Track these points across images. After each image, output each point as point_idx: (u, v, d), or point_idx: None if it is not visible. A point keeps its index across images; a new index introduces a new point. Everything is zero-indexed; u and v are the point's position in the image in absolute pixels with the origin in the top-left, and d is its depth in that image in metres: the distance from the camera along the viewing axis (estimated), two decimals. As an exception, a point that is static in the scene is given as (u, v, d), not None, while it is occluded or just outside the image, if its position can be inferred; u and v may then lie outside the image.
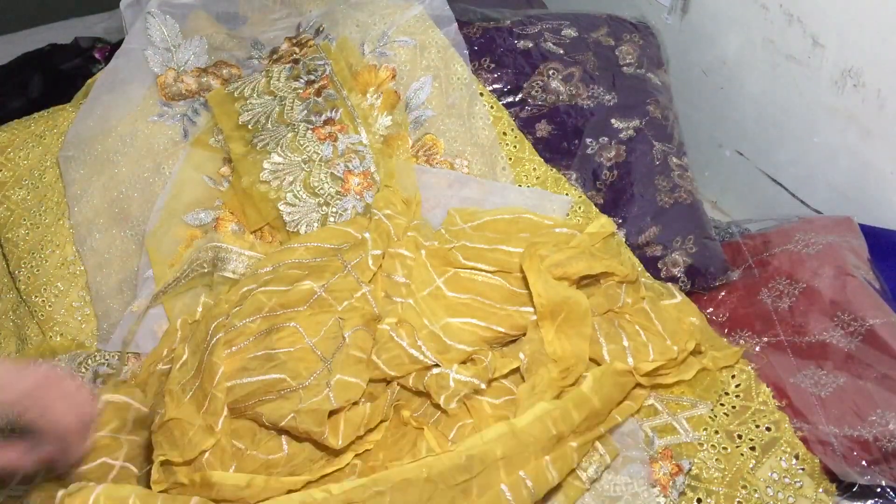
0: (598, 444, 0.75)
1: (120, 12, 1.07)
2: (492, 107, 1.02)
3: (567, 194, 0.98)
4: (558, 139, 1.04)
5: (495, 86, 1.05)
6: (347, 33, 1.02)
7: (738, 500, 0.74)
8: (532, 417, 0.70)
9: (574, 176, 1.02)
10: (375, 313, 0.80)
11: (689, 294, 0.93)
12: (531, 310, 0.81)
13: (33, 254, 0.95)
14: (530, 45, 1.07)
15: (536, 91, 1.05)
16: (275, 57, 1.04)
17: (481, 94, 1.02)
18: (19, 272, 0.95)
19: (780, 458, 0.76)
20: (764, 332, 0.91)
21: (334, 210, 0.90)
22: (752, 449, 0.77)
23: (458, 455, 0.67)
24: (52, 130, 1.04)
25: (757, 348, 0.89)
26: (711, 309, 0.96)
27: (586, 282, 0.84)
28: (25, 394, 0.59)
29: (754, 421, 0.79)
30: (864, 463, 0.77)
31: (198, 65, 1.03)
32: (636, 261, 0.95)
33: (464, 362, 0.79)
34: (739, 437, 0.78)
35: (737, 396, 0.81)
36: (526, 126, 1.03)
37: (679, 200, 1.01)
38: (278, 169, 0.92)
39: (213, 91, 1.00)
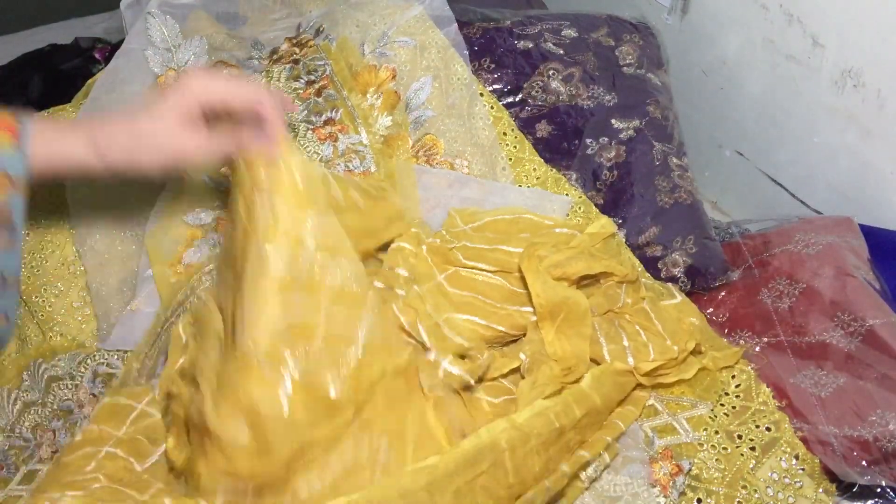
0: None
1: (120, 12, 1.07)
2: (492, 107, 1.02)
3: (567, 194, 0.98)
4: (558, 139, 1.04)
5: (495, 86, 1.05)
6: (347, 33, 1.02)
7: (738, 500, 0.74)
8: (532, 413, 0.70)
9: (574, 176, 1.02)
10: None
11: (689, 294, 0.93)
12: (531, 310, 0.81)
13: (33, 254, 0.95)
14: (530, 45, 1.07)
15: (536, 91, 1.05)
16: (275, 57, 1.04)
17: (481, 95, 1.02)
18: (20, 272, 0.95)
19: (780, 459, 0.76)
20: (764, 332, 0.91)
21: (334, 210, 0.90)
22: (753, 449, 0.77)
23: (465, 449, 0.66)
24: (53, 130, 1.03)
25: (757, 348, 0.89)
26: (711, 309, 0.96)
27: (586, 282, 0.84)
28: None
29: (754, 421, 0.79)
30: (864, 463, 0.77)
31: (198, 65, 1.03)
32: (636, 261, 0.95)
33: (462, 357, 0.79)
34: (739, 437, 0.78)
35: (737, 397, 0.81)
36: (526, 126, 1.03)
37: (679, 201, 1.01)
38: (278, 169, 0.92)
39: (213, 91, 1.00)
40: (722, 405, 0.81)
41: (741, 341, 0.91)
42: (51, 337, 0.91)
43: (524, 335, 0.82)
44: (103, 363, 0.86)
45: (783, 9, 1.06)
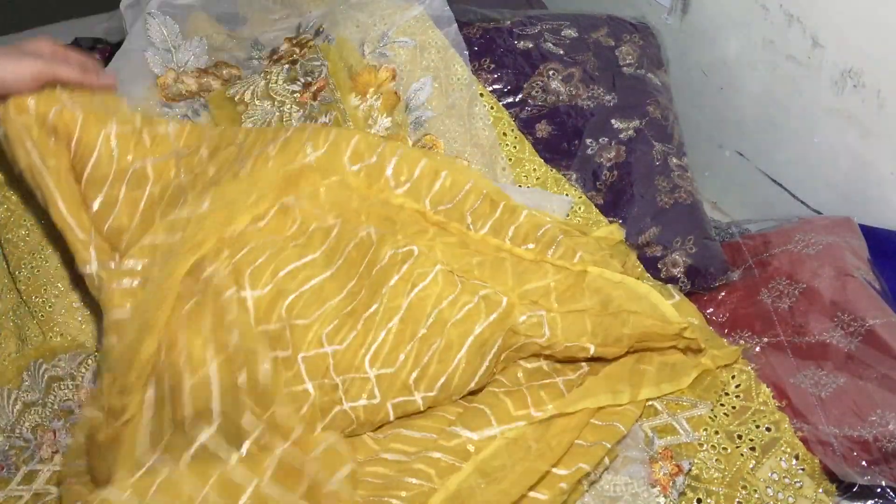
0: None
1: (120, 13, 1.07)
2: (492, 107, 1.02)
3: (567, 195, 0.98)
4: (558, 139, 1.04)
5: (495, 86, 1.05)
6: (347, 34, 1.02)
7: (738, 500, 0.74)
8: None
9: (574, 176, 1.02)
10: None
11: (688, 294, 0.93)
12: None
13: (34, 254, 0.95)
14: (530, 45, 1.07)
15: (536, 91, 1.05)
16: (275, 57, 1.04)
17: (481, 95, 1.02)
18: (20, 272, 0.95)
19: (781, 459, 0.76)
20: (764, 332, 0.91)
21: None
22: (753, 449, 0.77)
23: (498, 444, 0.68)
24: (53, 131, 1.04)
25: (757, 348, 0.90)
26: (711, 309, 0.96)
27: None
28: None
29: (754, 421, 0.79)
30: (864, 463, 0.77)
31: (198, 65, 1.03)
32: (641, 266, 0.95)
33: None
34: (739, 437, 0.78)
35: (737, 397, 0.82)
36: (526, 126, 1.03)
37: (679, 201, 1.01)
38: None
39: (214, 93, 1.00)
40: (722, 405, 0.81)
41: (741, 341, 0.91)
42: (51, 337, 0.91)
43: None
44: (103, 363, 0.86)
45: (783, 9, 1.06)
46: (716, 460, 0.77)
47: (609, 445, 0.73)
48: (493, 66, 1.06)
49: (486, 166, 0.98)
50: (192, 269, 0.75)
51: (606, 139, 1.04)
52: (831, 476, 0.76)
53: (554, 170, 1.00)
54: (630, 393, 0.77)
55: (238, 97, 0.98)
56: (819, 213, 1.13)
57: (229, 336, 0.70)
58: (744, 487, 0.75)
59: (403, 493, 0.67)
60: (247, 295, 0.73)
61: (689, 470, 0.76)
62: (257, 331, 0.72)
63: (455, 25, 1.04)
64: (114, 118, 0.83)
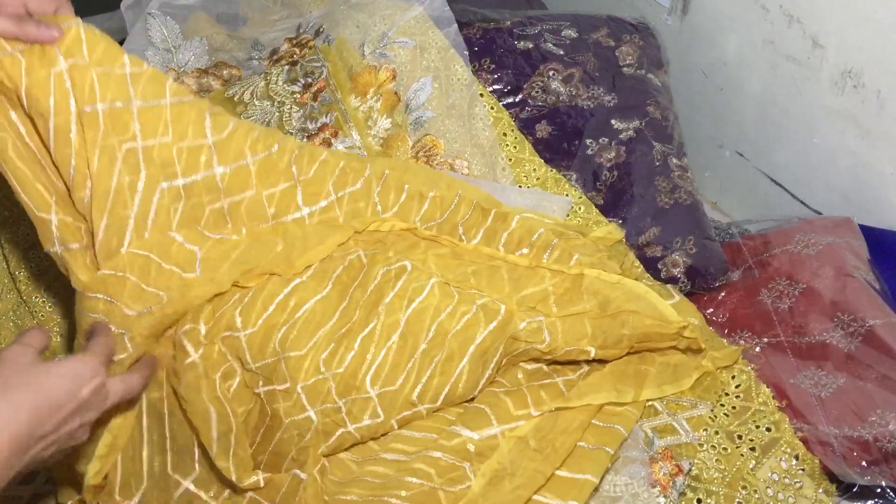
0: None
1: (120, 13, 1.07)
2: (492, 108, 1.02)
3: (567, 195, 0.98)
4: (558, 140, 1.04)
5: (495, 86, 1.05)
6: (347, 34, 1.02)
7: (738, 500, 0.74)
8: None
9: (574, 177, 1.02)
10: None
11: (688, 295, 0.93)
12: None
13: (34, 254, 0.95)
14: (530, 45, 1.07)
15: (536, 92, 1.05)
16: (275, 58, 1.04)
17: (481, 95, 1.02)
18: (20, 272, 0.95)
19: (780, 459, 0.76)
20: (764, 332, 0.91)
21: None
22: (753, 449, 0.77)
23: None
24: (53, 131, 1.03)
25: (757, 349, 0.90)
26: (711, 309, 0.96)
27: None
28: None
29: (754, 421, 0.79)
30: (864, 463, 0.77)
31: (198, 66, 1.03)
32: (641, 266, 0.95)
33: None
34: (739, 437, 0.78)
35: (737, 397, 0.82)
36: (526, 127, 1.03)
37: (679, 201, 1.01)
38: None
39: (214, 93, 1.00)
40: (722, 405, 0.81)
41: (741, 341, 0.91)
42: (51, 337, 0.91)
43: None
44: (103, 363, 0.86)
45: (783, 9, 1.06)
46: (716, 460, 0.77)
47: (612, 451, 0.73)
48: (493, 66, 1.06)
49: (486, 167, 0.98)
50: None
51: (606, 139, 1.04)
52: (831, 476, 0.76)
53: (554, 170, 1.00)
54: (633, 392, 0.77)
55: (238, 97, 0.98)
56: (819, 213, 1.13)
57: None
58: (744, 487, 0.75)
59: (403, 493, 0.67)
60: (240, 335, 0.72)
61: (690, 470, 0.76)
62: (255, 366, 0.72)
63: (455, 26, 1.04)
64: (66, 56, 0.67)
